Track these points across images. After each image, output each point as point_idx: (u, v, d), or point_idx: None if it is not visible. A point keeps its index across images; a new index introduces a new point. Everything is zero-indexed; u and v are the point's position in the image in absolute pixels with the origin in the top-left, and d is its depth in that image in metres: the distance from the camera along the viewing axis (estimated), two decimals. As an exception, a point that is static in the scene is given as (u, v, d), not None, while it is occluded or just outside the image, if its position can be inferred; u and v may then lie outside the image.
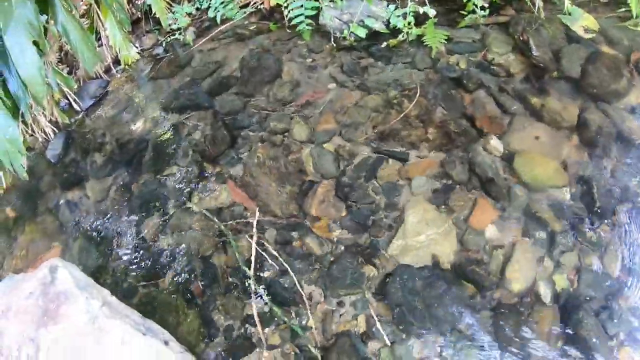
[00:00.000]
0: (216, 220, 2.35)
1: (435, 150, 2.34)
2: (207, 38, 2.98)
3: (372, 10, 2.64)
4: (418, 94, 2.45)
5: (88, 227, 2.59)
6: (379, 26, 2.66)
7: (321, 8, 2.76)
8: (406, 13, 2.59)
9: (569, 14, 2.95)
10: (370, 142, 2.39)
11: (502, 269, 2.07)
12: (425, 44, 2.69)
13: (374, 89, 2.55)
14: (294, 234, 2.25)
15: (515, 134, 2.41)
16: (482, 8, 2.78)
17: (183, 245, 2.38)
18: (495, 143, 2.37)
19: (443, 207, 2.21)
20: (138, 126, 2.77)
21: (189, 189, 2.50)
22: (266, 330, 2.04)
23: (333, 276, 2.11)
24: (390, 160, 2.33)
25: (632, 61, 2.87)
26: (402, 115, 2.37)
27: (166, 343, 1.93)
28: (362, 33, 2.67)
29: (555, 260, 2.11)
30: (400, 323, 1.96)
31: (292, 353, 2.00)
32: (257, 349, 2.01)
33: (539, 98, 2.52)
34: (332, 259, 2.16)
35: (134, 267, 2.43)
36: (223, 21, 3.06)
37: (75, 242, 2.55)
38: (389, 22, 2.76)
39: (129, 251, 2.48)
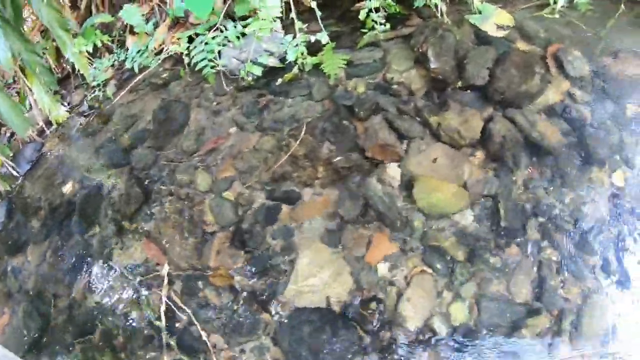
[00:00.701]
0: (130, 278, 2.45)
1: (329, 187, 2.30)
2: (125, 90, 3.04)
3: (265, 47, 2.60)
4: (303, 131, 2.41)
5: (30, 291, 2.76)
6: (273, 62, 2.62)
7: (220, 50, 2.76)
8: (297, 44, 2.54)
9: (479, 12, 2.80)
10: (265, 186, 2.38)
11: (396, 306, 2.05)
12: (323, 71, 2.64)
13: (270, 129, 2.52)
14: (199, 285, 2.31)
15: (412, 159, 2.33)
16: (383, 23, 2.68)
17: (107, 302, 2.49)
18: (392, 172, 2.30)
19: (337, 246, 2.19)
20: (67, 188, 2.89)
21: (109, 248, 2.59)
22: (177, 380, 2.14)
23: (234, 324, 2.16)
24: (285, 203, 2.33)
25: (548, 54, 2.70)
26: (287, 156, 2.35)
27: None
28: (257, 71, 2.64)
29: (454, 291, 2.06)
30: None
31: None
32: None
33: (437, 115, 2.42)
34: (234, 307, 2.21)
35: (69, 325, 2.58)
36: (141, 70, 3.11)
37: (19, 307, 2.73)
38: (285, 55, 2.71)
39: (64, 311, 2.62)
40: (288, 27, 2.95)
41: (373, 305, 2.07)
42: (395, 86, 2.56)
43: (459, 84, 2.55)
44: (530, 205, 2.26)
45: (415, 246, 2.16)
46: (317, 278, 2.13)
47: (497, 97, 2.51)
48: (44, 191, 3.05)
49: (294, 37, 2.66)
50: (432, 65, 2.52)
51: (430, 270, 2.10)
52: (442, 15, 2.69)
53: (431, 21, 2.75)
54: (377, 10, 2.68)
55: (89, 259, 2.63)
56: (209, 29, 2.82)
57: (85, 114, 3.16)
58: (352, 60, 2.66)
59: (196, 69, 2.84)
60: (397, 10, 2.80)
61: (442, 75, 2.51)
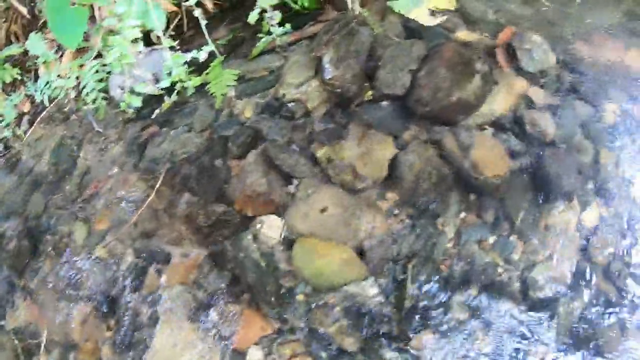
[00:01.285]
0: (16, 342, 2.21)
1: (198, 247, 1.84)
2: (34, 127, 2.78)
3: (136, 73, 2.16)
4: (161, 180, 1.95)
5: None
6: (151, 89, 2.17)
7: (108, 78, 2.36)
8: (171, 68, 2.07)
9: (408, -4, 2.11)
10: (134, 242, 1.98)
11: None
12: (210, 92, 2.15)
13: (147, 170, 2.09)
14: (70, 358, 2.00)
15: (295, 210, 1.79)
16: (280, 23, 2.11)
17: (0, 366, 2.29)
18: (268, 228, 1.78)
19: (203, 324, 1.75)
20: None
21: (3, 307, 2.38)
22: None
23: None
24: (153, 265, 1.91)
25: (498, 43, 1.96)
26: (143, 208, 1.92)
27: None
28: (136, 102, 2.21)
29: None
30: None
31: None
32: None
33: (330, 146, 1.84)
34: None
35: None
36: (51, 101, 2.83)
37: None
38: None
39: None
40: (187, 40, 2.49)
41: None
42: (290, 105, 2.00)
43: (369, 95, 1.93)
44: (460, 267, 1.65)
45: (298, 327, 1.66)
46: None
47: (420, 111, 1.87)
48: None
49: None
50: (326, 75, 1.90)
51: None
52: (353, 3, 2.05)
53: (343, 14, 2.13)
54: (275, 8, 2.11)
55: (-13, 316, 2.47)
56: (97, 56, 2.44)
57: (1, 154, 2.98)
58: (245, 75, 2.14)
59: (87, 101, 2.49)
60: (305, 4, 2.20)
61: (341, 87, 1.89)
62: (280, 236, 1.74)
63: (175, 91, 2.14)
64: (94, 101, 2.48)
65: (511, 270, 1.66)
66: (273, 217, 1.77)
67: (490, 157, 1.81)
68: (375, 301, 1.62)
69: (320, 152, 1.78)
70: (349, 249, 1.66)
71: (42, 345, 2.09)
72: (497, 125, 1.86)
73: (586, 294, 1.63)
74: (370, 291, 1.64)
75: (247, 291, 1.72)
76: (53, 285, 2.16)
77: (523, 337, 1.60)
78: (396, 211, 1.72)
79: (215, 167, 1.91)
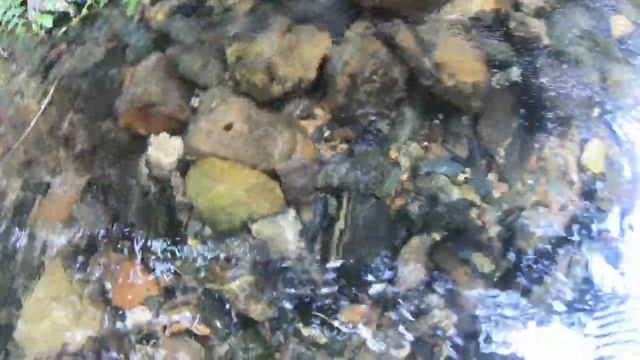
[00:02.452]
0: None
1: (78, 175, 1.42)
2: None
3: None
4: (49, 97, 1.54)
5: None
6: (62, 5, 1.77)
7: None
8: None
9: None
10: (20, 172, 1.57)
11: None
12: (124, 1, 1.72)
13: (44, 92, 1.68)
14: None
15: (195, 128, 1.30)
16: None
17: None
18: (161, 150, 1.32)
19: (79, 272, 1.34)
20: None
21: None
22: None
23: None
24: (37, 196, 1.50)
25: None
26: (25, 135, 1.51)
27: None
28: (47, 21, 1.82)
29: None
30: None
31: None
32: None
33: (242, 42, 1.34)
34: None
35: None
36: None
37: None
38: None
39: None
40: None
41: None
42: (210, 3, 1.54)
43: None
44: (417, 207, 1.19)
45: (191, 286, 1.23)
46: (48, 320, 1.34)
47: (367, 4, 1.37)
48: None
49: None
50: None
51: (205, 331, 1.18)
52: None
53: None
54: None
55: None
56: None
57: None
58: None
59: (8, 28, 2.13)
60: None
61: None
62: (177, 159, 1.31)
63: (86, 5, 1.73)
64: (14, 26, 2.12)
65: (484, 222, 1.18)
66: (168, 136, 1.34)
67: (462, 60, 1.31)
68: (293, 250, 1.18)
69: (230, 50, 1.33)
70: (260, 173, 1.22)
71: None
72: (473, 23, 1.37)
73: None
74: (289, 233, 1.19)
75: (131, 233, 1.31)
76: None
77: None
78: (327, 132, 1.27)
79: (108, 79, 1.49)
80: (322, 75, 1.27)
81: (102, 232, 1.31)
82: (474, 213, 1.23)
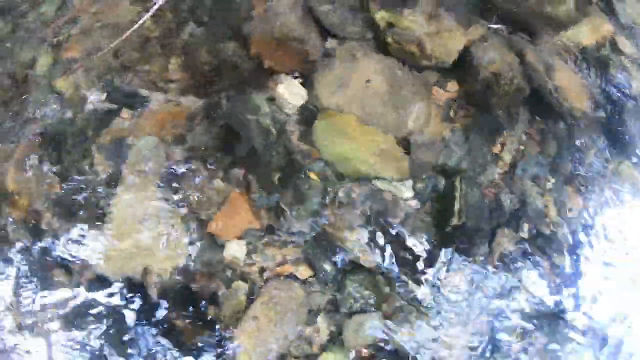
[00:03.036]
0: None
1: (189, 93, 1.34)
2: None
3: None
4: (161, 1, 1.37)
5: None
6: None
7: None
8: None
9: None
10: (106, 76, 1.43)
11: (238, 315, 1.16)
12: None
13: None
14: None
15: (330, 74, 1.31)
16: None
17: None
18: (285, 89, 1.29)
19: (174, 194, 1.27)
20: None
21: None
22: None
23: (24, 273, 1.29)
24: (124, 109, 1.37)
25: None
26: (127, 35, 1.35)
27: None
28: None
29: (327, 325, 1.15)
30: None
31: None
32: None
33: (390, 12, 1.38)
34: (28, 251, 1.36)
35: None
36: None
37: None
38: None
39: None
40: None
41: (209, 302, 1.17)
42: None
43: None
44: (509, 200, 1.28)
45: (297, 229, 1.22)
46: (132, 240, 1.23)
47: (504, 6, 1.45)
48: None
49: None
50: None
51: (306, 274, 1.18)
52: None
53: None
54: None
55: None
56: None
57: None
58: None
59: None
60: None
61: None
62: (298, 104, 1.29)
63: None
64: None
65: (559, 223, 1.30)
66: (291, 78, 1.30)
67: (572, 86, 1.43)
68: (409, 206, 1.22)
69: (379, 15, 1.33)
70: (391, 139, 1.25)
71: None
72: (582, 56, 1.49)
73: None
74: (406, 193, 1.23)
75: (241, 165, 1.27)
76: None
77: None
78: (451, 111, 1.32)
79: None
80: (459, 62, 1.33)
81: (212, 159, 1.26)
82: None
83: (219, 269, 1.18)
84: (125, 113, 1.41)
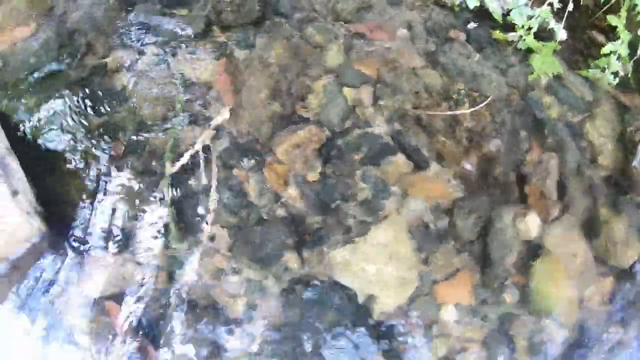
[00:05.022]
0: (180, 91, 1.71)
1: (462, 183, 1.62)
2: None
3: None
4: (488, 102, 1.67)
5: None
6: (493, 6, 1.86)
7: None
8: (531, 16, 1.79)
9: None
10: (395, 120, 1.66)
11: None
12: (528, 62, 1.92)
13: (444, 67, 1.77)
14: (244, 163, 1.60)
15: (558, 229, 1.65)
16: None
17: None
18: (531, 223, 1.63)
19: (420, 252, 1.54)
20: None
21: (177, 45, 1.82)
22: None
23: (251, 241, 1.49)
24: (402, 158, 1.62)
25: None
26: (450, 113, 1.63)
27: (15, 193, 1.35)
28: (472, 3, 1.88)
29: None
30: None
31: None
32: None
33: (609, 210, 1.80)
34: (263, 215, 1.56)
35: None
36: None
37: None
38: (508, 12, 1.95)
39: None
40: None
41: (403, 348, 1.49)
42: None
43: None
44: None
45: (491, 318, 1.56)
46: (374, 267, 1.49)
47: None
48: None
49: (527, 4, 1.87)
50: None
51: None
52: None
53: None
54: None
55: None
56: None
57: None
58: (563, 78, 1.87)
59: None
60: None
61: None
62: (533, 236, 1.60)
63: (514, 34, 1.82)
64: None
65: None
66: (536, 216, 1.64)
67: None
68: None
69: (603, 211, 1.69)
70: (574, 299, 1.64)
71: (218, 118, 1.63)
72: None
73: None
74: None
75: (477, 258, 1.58)
76: (273, 76, 1.69)
77: None
78: (603, 302, 1.74)
79: (520, 138, 1.66)
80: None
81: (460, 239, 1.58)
82: None
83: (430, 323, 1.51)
84: (402, 161, 1.65)
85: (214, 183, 1.55)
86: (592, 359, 1.68)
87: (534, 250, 1.61)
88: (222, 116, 1.62)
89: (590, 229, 1.70)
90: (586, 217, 1.72)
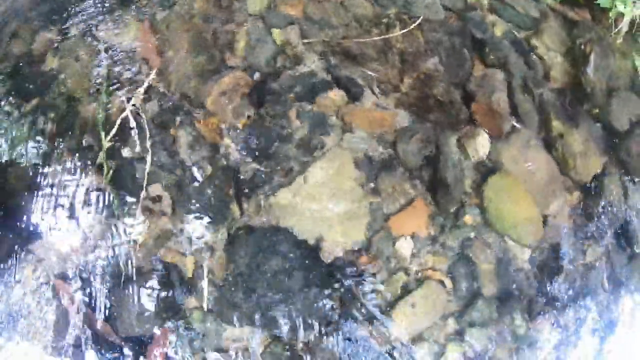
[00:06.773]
0: (104, 60, 1.64)
1: (403, 108, 1.50)
2: None
3: None
4: (419, 22, 1.54)
5: None
6: None
7: None
8: None
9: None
10: (326, 55, 1.54)
11: (394, 302, 1.39)
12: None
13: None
14: (177, 119, 1.51)
15: (509, 147, 1.54)
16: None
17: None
18: (480, 143, 1.53)
19: (368, 184, 1.44)
20: None
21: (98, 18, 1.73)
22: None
23: (189, 193, 1.41)
24: (338, 91, 1.49)
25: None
26: (379, 38, 1.50)
27: None
28: None
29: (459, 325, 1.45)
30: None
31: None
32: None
33: (564, 124, 1.65)
34: (203, 173, 1.48)
35: None
36: None
37: None
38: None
39: None
40: None
41: (368, 280, 1.41)
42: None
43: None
44: None
45: (450, 244, 1.46)
46: (319, 205, 1.39)
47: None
48: None
49: None
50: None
51: (448, 285, 1.44)
52: None
53: None
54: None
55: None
56: None
57: None
58: None
59: None
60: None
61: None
62: (483, 157, 1.49)
63: None
64: None
65: None
66: (486, 136, 1.50)
67: None
68: (527, 266, 1.51)
69: (555, 124, 1.55)
70: (536, 213, 1.53)
71: (144, 84, 1.56)
72: None
73: None
74: (526, 254, 1.53)
75: (428, 185, 1.48)
76: (195, 30, 1.59)
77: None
78: (573, 212, 1.64)
79: (463, 56, 1.54)
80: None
81: (408, 166, 1.47)
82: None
83: (387, 258, 1.41)
84: (336, 94, 1.54)
85: (148, 145, 1.47)
86: (566, 279, 1.60)
87: (489, 170, 1.51)
88: (148, 78, 1.53)
89: (549, 144, 1.60)
90: (544, 132, 1.62)
